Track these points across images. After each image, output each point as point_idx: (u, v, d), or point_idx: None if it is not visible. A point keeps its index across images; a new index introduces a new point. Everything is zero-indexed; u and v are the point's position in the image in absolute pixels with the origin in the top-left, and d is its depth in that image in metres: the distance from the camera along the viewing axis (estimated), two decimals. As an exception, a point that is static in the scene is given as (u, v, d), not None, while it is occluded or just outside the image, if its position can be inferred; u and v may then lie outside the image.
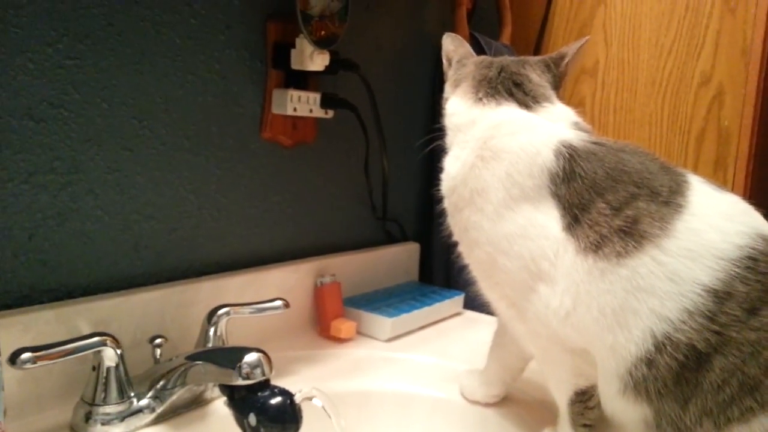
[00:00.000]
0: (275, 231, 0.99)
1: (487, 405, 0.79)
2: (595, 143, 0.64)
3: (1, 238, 0.66)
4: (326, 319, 0.98)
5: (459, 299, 1.15)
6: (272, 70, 0.93)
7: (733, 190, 0.62)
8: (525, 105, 0.70)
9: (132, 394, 0.66)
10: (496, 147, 0.66)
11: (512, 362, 0.78)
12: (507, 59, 0.76)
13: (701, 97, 1.27)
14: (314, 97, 0.97)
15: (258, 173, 0.94)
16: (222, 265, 0.90)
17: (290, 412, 0.58)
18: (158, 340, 0.72)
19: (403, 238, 1.26)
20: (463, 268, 0.73)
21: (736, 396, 0.54)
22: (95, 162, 0.73)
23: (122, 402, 0.65)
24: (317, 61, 0.91)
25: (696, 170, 0.63)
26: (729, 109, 1.24)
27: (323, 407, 0.58)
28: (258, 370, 0.58)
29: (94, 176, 0.73)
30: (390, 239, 1.23)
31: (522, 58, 0.77)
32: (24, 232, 0.68)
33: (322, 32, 0.92)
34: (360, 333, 1.00)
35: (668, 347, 0.55)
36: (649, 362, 0.56)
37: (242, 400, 0.59)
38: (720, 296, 0.55)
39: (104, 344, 0.64)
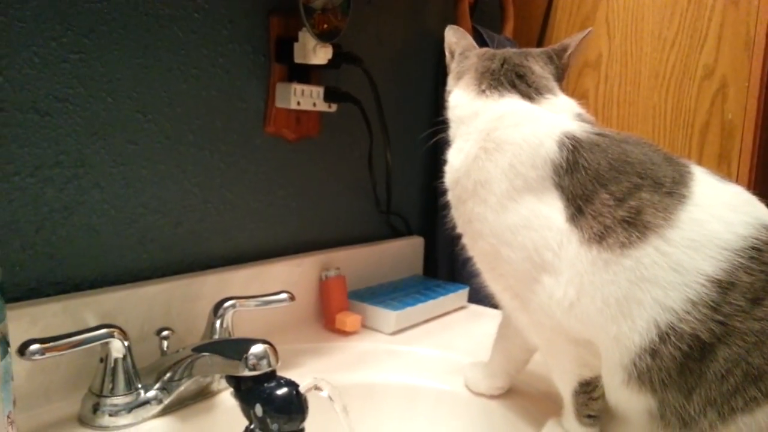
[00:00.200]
0: (280, 225, 0.99)
1: (491, 397, 0.80)
2: (598, 134, 0.64)
3: (9, 231, 0.67)
4: (331, 312, 0.98)
5: (463, 293, 1.15)
6: (275, 64, 0.94)
7: (737, 183, 0.62)
8: (528, 97, 0.70)
9: (139, 386, 0.67)
10: (500, 138, 0.66)
11: (516, 354, 0.79)
12: (509, 51, 0.76)
13: (704, 90, 1.27)
14: (317, 90, 0.97)
15: (262, 167, 0.95)
16: (227, 258, 0.91)
17: (296, 403, 0.58)
18: (165, 333, 0.72)
19: (408, 232, 1.26)
20: (467, 260, 0.74)
21: (740, 386, 0.55)
22: (101, 156, 0.74)
23: (130, 393, 0.65)
24: (320, 54, 0.91)
25: (700, 164, 0.63)
26: (732, 102, 1.24)
27: (329, 396, 0.59)
28: (264, 361, 0.59)
29: (99, 170, 0.74)
30: (394, 233, 1.24)
31: (524, 50, 0.77)
32: (31, 225, 0.69)
33: (325, 26, 0.92)
34: (365, 326, 1.01)
35: (672, 337, 0.56)
36: (653, 353, 0.57)
37: (248, 391, 0.59)
38: (723, 286, 0.55)
39: (112, 336, 0.64)
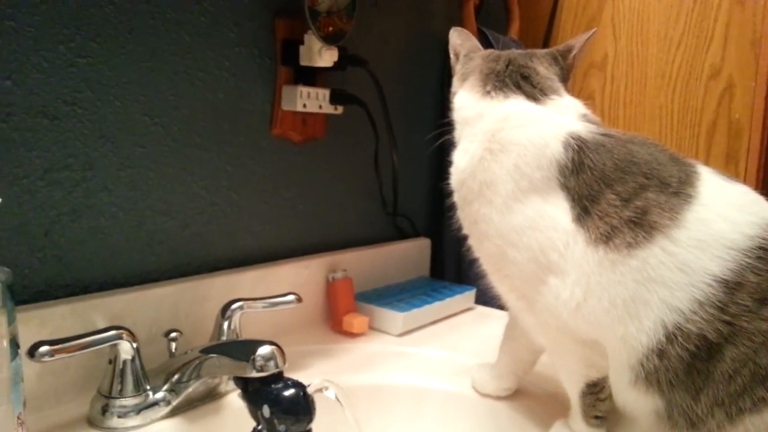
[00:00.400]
0: (286, 226, 0.99)
1: (498, 398, 0.80)
2: (603, 135, 0.64)
3: (18, 234, 0.67)
4: (338, 314, 0.98)
5: (470, 294, 1.15)
6: (281, 66, 0.94)
7: (745, 183, 0.62)
8: (533, 98, 0.70)
9: (148, 387, 0.67)
10: (505, 139, 0.66)
11: (523, 355, 0.79)
12: (514, 52, 0.76)
13: (711, 90, 1.26)
14: (323, 93, 0.98)
15: (268, 169, 0.95)
16: (234, 260, 0.91)
17: (303, 404, 0.58)
18: (173, 334, 0.73)
19: (414, 234, 1.26)
20: (474, 261, 0.74)
21: (748, 386, 0.54)
22: (108, 159, 0.74)
23: (138, 395, 0.66)
24: (326, 57, 0.92)
25: (707, 164, 0.63)
26: (739, 101, 1.23)
27: (336, 397, 0.59)
28: (271, 363, 0.59)
29: (107, 173, 0.74)
30: (401, 234, 1.24)
31: (529, 51, 0.77)
32: (40, 228, 0.69)
33: (330, 28, 0.92)
34: (372, 328, 1.01)
35: (679, 338, 0.55)
36: (660, 353, 0.56)
37: (256, 392, 0.60)
38: (730, 286, 0.55)
39: (120, 338, 0.65)
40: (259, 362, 0.59)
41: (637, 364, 0.58)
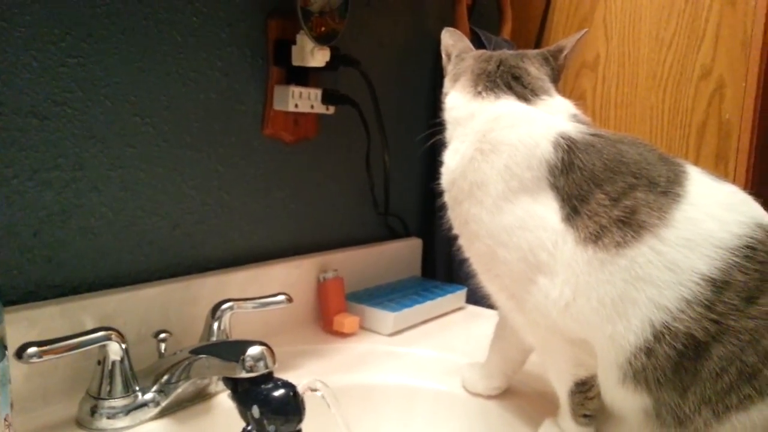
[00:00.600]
0: (278, 227, 0.99)
1: (488, 397, 0.80)
2: (593, 135, 0.64)
3: (7, 234, 0.67)
4: (329, 314, 0.98)
5: (461, 294, 1.15)
6: (273, 66, 0.94)
7: (734, 183, 0.62)
8: (524, 98, 0.71)
9: (137, 388, 0.67)
10: (495, 140, 0.66)
11: (513, 355, 0.79)
12: (506, 53, 0.76)
13: (702, 91, 1.27)
14: (315, 93, 0.98)
15: (260, 169, 0.95)
16: (225, 261, 0.91)
17: (293, 404, 0.58)
18: (162, 335, 0.72)
19: (406, 234, 1.26)
20: (464, 261, 0.74)
21: (735, 384, 0.55)
22: (99, 159, 0.74)
23: (127, 396, 0.66)
24: (318, 57, 0.92)
25: (697, 164, 0.63)
26: (730, 102, 1.24)
27: (323, 396, 0.59)
28: (261, 363, 0.59)
29: (97, 173, 0.74)
30: (392, 234, 1.24)
31: (520, 51, 0.77)
32: (29, 228, 0.69)
33: (323, 28, 0.92)
34: (363, 328, 1.01)
35: (667, 336, 0.56)
36: (648, 351, 0.57)
37: (245, 392, 0.60)
38: (718, 285, 0.55)
39: (109, 338, 0.64)
40: (248, 362, 0.58)
41: (626, 362, 0.58)
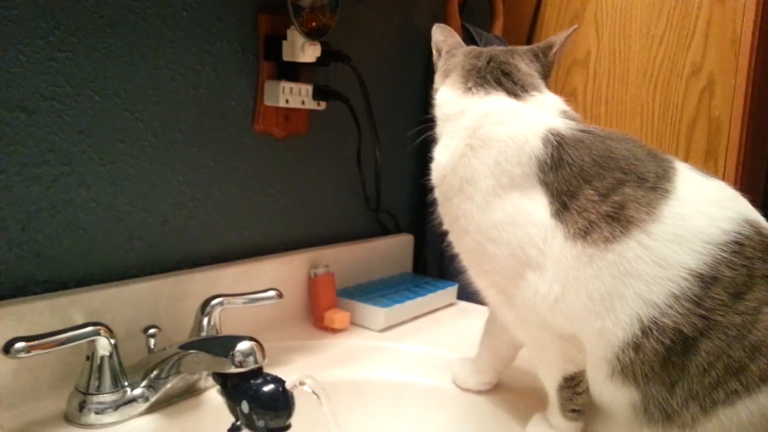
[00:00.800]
0: (268, 222, 0.99)
1: (479, 392, 0.80)
2: (582, 131, 0.64)
3: (-5, 229, 0.67)
4: (320, 310, 0.98)
5: (452, 290, 1.16)
6: (264, 62, 0.94)
7: (724, 179, 0.63)
8: (514, 94, 0.71)
9: (126, 384, 0.67)
10: (485, 136, 0.66)
11: (503, 350, 0.79)
12: (496, 49, 0.76)
13: (692, 87, 1.27)
14: (306, 88, 0.98)
15: (251, 165, 0.95)
16: (215, 256, 0.91)
17: (282, 400, 0.58)
18: (152, 330, 0.72)
19: (397, 230, 1.27)
20: (455, 257, 0.74)
21: (722, 379, 0.55)
22: (88, 154, 0.74)
23: (116, 391, 0.66)
24: (309, 52, 0.92)
25: (687, 160, 0.64)
26: (719, 99, 1.25)
27: (312, 391, 0.59)
28: (251, 358, 0.59)
29: (86, 168, 0.74)
30: (383, 230, 1.24)
31: (510, 47, 0.77)
32: (17, 223, 0.68)
33: (313, 23, 0.92)
34: (354, 323, 1.01)
35: (655, 331, 0.56)
36: (636, 347, 0.57)
37: (235, 387, 0.59)
38: (706, 281, 0.56)
39: (98, 334, 0.64)
40: (238, 358, 0.58)
41: (614, 357, 0.59)
